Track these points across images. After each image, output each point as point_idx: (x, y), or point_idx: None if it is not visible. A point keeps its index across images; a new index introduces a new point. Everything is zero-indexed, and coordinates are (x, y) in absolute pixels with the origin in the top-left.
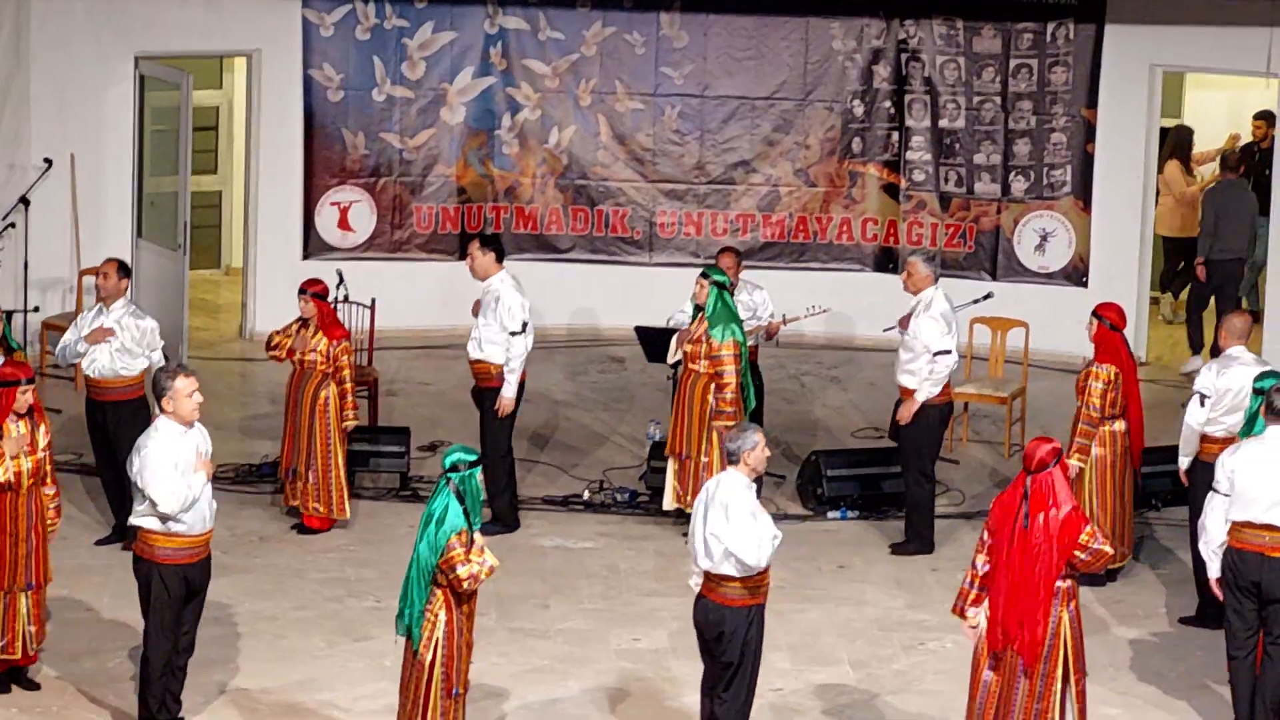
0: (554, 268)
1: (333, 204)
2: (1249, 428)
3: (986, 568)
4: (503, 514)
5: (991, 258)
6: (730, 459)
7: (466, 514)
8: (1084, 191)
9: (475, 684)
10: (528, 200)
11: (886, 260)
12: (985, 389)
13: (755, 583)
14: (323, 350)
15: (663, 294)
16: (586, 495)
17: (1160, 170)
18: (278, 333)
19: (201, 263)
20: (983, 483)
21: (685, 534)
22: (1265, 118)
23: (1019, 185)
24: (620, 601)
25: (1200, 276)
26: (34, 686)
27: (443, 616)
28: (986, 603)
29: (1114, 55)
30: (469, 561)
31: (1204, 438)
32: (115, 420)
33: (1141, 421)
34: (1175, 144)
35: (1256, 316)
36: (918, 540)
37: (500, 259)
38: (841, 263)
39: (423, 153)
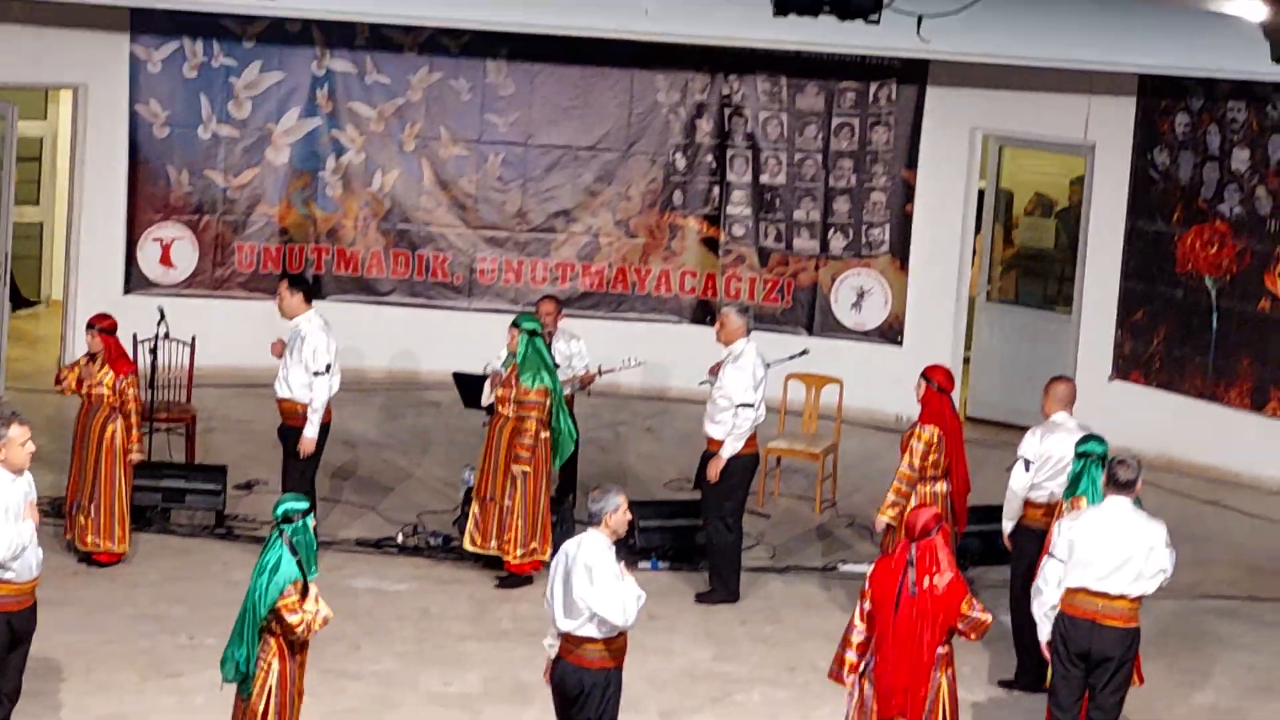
0: (374, 310)
1: (155, 240)
2: (1072, 490)
3: (863, 636)
4: None
5: (809, 314)
6: (592, 520)
7: (301, 565)
8: (902, 251)
9: None
10: (350, 242)
11: (704, 313)
12: (798, 444)
13: (616, 645)
14: (109, 384)
15: (481, 340)
16: (400, 538)
17: (978, 232)
18: (65, 367)
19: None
20: (793, 537)
21: (499, 578)
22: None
23: (838, 242)
24: (432, 645)
25: None
26: None
27: (276, 665)
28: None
29: (935, 117)
30: (301, 610)
31: (1027, 503)
32: None
33: (967, 483)
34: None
35: None
36: (722, 589)
37: (309, 299)
38: (659, 314)
39: (246, 192)
